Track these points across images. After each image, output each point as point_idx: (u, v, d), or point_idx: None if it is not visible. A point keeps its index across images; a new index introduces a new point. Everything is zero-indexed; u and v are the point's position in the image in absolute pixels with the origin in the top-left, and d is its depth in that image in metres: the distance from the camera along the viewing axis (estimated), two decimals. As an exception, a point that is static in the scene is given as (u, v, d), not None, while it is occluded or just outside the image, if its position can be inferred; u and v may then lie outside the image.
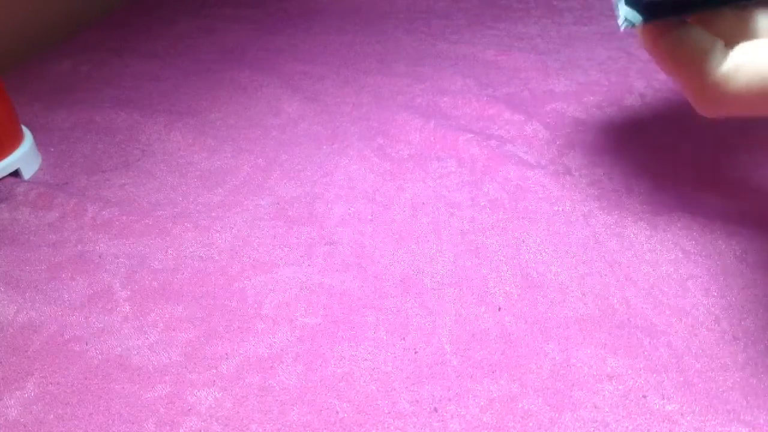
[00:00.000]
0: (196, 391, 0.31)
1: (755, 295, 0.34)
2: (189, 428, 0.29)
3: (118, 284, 0.38)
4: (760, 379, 0.30)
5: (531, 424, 0.28)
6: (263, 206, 0.44)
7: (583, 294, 0.35)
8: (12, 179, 0.48)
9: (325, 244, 0.40)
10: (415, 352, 0.32)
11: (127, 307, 0.36)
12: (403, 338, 0.33)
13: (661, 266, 0.36)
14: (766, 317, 0.33)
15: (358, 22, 0.77)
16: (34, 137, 0.52)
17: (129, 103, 0.59)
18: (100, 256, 0.40)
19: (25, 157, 0.49)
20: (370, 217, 0.42)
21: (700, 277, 0.35)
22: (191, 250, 0.40)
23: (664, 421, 0.28)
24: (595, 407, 0.29)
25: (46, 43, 0.74)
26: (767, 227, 0.39)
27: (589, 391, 0.29)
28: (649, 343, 0.32)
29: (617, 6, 0.26)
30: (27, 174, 0.49)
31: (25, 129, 0.51)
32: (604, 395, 0.29)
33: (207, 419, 0.29)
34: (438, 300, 0.35)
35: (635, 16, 0.26)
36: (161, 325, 0.35)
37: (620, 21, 0.26)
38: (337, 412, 0.29)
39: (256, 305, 0.36)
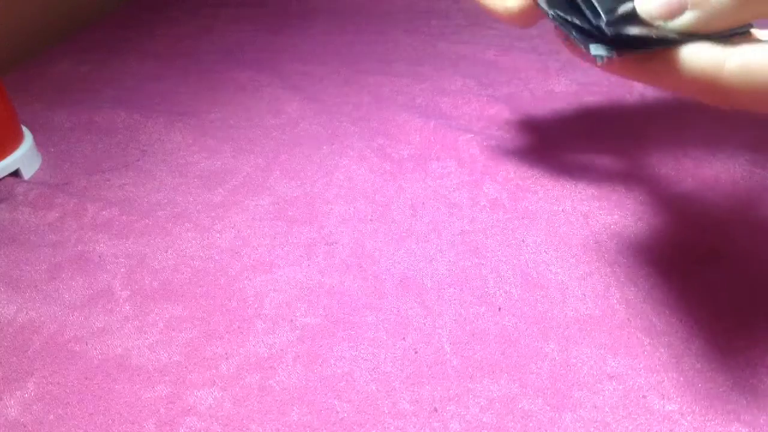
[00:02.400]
0: (196, 391, 0.31)
1: (756, 295, 0.34)
2: (189, 428, 0.29)
3: (118, 284, 0.38)
4: (760, 379, 0.30)
5: (531, 424, 0.28)
6: (263, 206, 0.44)
7: (583, 294, 0.35)
8: (12, 179, 0.48)
9: (325, 244, 0.40)
10: (415, 352, 0.32)
11: (127, 307, 0.36)
12: (403, 338, 0.33)
13: (661, 266, 0.36)
14: (766, 318, 0.33)
15: (358, 22, 0.77)
16: (34, 137, 0.52)
17: (129, 103, 0.59)
18: (100, 256, 0.40)
19: (25, 157, 0.49)
20: (370, 217, 0.42)
21: (701, 277, 0.35)
22: (191, 250, 0.40)
23: (664, 421, 0.28)
24: (595, 407, 0.29)
25: (46, 43, 0.74)
26: (766, 227, 0.39)
27: (589, 391, 0.29)
28: (649, 343, 0.32)
29: (586, 49, 0.27)
30: (27, 174, 0.49)
31: (25, 129, 0.51)
32: (604, 395, 0.29)
33: (207, 419, 0.29)
34: (438, 300, 0.35)
35: (607, 51, 0.26)
36: (161, 325, 0.35)
37: (597, 60, 0.26)
38: (337, 412, 0.29)
39: (256, 305, 0.36)
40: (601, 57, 0.26)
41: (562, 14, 0.28)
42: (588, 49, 0.26)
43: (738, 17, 0.25)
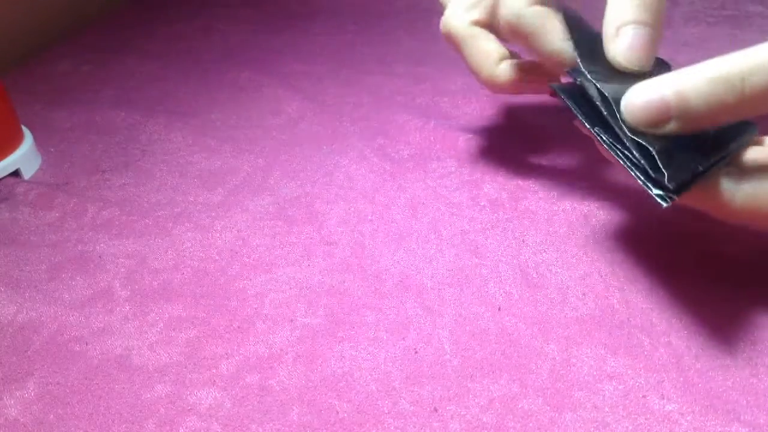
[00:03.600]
0: (196, 391, 0.31)
1: (756, 295, 0.34)
2: (189, 428, 0.29)
3: (118, 284, 0.38)
4: (760, 379, 0.30)
5: (531, 424, 0.28)
6: (263, 206, 0.44)
7: (583, 294, 0.35)
8: (12, 179, 0.48)
9: (325, 244, 0.40)
10: (415, 352, 0.32)
11: (127, 307, 0.36)
12: (403, 338, 0.33)
13: (661, 266, 0.36)
14: (766, 317, 0.33)
15: (358, 22, 0.77)
16: (34, 137, 0.52)
17: (129, 103, 0.59)
18: (100, 256, 0.40)
19: (25, 157, 0.49)
20: (370, 217, 0.42)
21: (701, 277, 0.35)
22: (191, 250, 0.40)
23: (664, 421, 0.28)
24: (595, 407, 0.29)
25: (46, 43, 0.74)
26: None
27: (589, 391, 0.29)
28: (649, 343, 0.32)
29: (650, 193, 0.28)
30: (27, 174, 0.49)
31: (25, 129, 0.51)
32: (604, 395, 0.29)
33: (207, 419, 0.29)
34: (438, 300, 0.35)
35: (669, 195, 0.28)
36: (161, 325, 0.35)
37: (662, 203, 0.28)
38: (337, 412, 0.29)
39: (256, 305, 0.36)
40: (668, 200, 0.27)
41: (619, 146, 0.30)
42: (650, 189, 0.28)
43: (718, 120, 0.27)
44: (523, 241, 0.39)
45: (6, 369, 0.33)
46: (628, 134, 0.28)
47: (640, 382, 0.30)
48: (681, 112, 0.26)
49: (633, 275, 0.36)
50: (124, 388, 0.31)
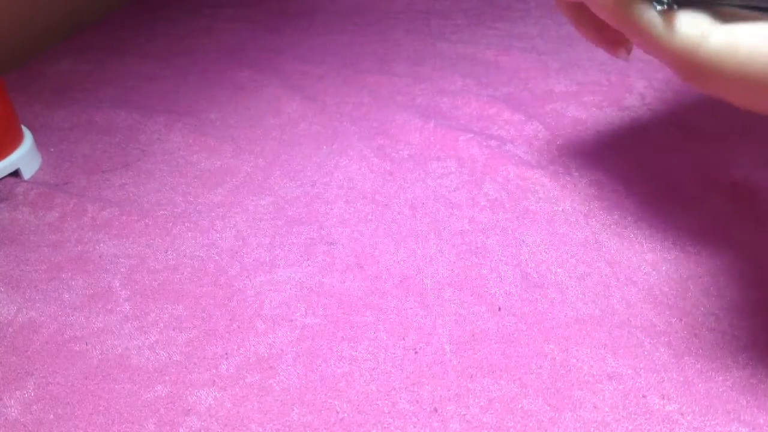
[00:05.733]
0: (196, 391, 0.31)
1: (755, 295, 0.34)
2: (189, 428, 0.29)
3: (118, 284, 0.38)
4: (760, 379, 0.30)
5: (531, 424, 0.28)
6: (263, 206, 0.44)
7: (583, 294, 0.35)
8: (12, 179, 0.48)
9: (325, 244, 0.40)
10: (415, 352, 0.32)
11: (127, 307, 0.36)
12: (403, 338, 0.33)
13: (661, 266, 0.36)
14: (766, 317, 0.33)
15: (358, 22, 0.77)
16: (34, 137, 0.52)
17: (129, 103, 0.59)
18: (100, 256, 0.40)
19: (25, 157, 0.49)
20: (370, 217, 0.42)
21: (700, 277, 0.35)
22: (191, 250, 0.40)
23: (664, 421, 0.28)
24: (595, 407, 0.29)
25: (46, 43, 0.74)
26: (766, 227, 0.39)
27: (589, 391, 0.29)
28: (649, 343, 0.32)
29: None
30: (27, 174, 0.49)
31: (25, 129, 0.51)
32: (604, 395, 0.29)
33: (207, 419, 0.29)
34: (438, 300, 0.35)
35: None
36: (161, 325, 0.35)
37: (655, 6, 0.25)
38: (337, 412, 0.29)
39: (256, 305, 0.36)
40: (661, 3, 0.24)
41: None
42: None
43: None
44: (523, 241, 0.39)
45: (6, 369, 0.33)
46: None
47: (640, 382, 0.30)
48: None
49: (633, 275, 0.36)
50: (124, 388, 0.31)
